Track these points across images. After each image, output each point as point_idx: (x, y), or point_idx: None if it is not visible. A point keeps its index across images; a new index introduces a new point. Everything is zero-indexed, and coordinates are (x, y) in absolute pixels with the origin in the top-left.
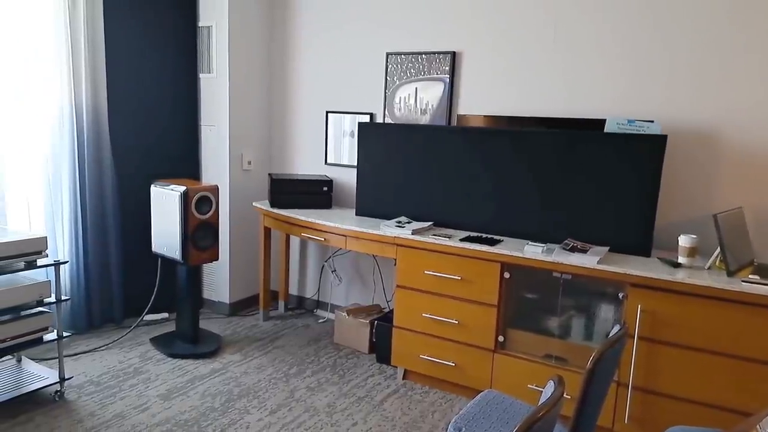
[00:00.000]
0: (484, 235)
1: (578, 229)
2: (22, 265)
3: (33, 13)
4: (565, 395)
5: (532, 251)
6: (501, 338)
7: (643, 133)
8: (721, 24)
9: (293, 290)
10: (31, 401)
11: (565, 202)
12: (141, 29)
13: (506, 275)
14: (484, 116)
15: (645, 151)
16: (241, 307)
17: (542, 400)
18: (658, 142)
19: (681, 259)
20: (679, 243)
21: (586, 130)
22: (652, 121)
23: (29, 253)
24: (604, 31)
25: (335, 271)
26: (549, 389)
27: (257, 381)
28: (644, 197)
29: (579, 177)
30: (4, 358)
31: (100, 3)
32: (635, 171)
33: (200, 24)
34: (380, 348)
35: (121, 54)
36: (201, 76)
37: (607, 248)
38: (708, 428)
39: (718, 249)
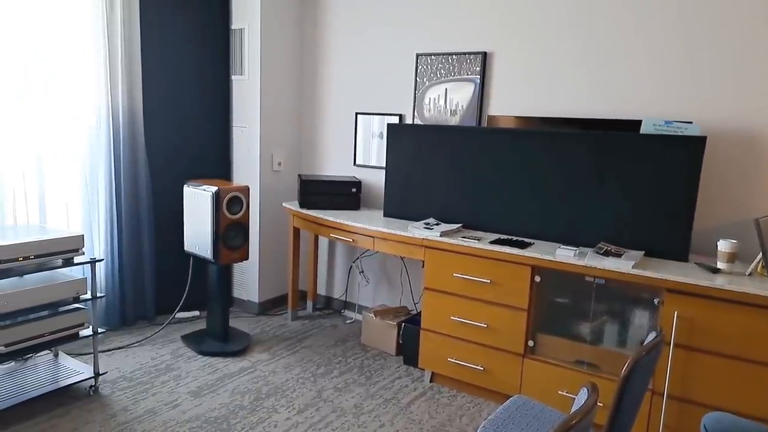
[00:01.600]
0: (515, 238)
1: (612, 232)
2: (60, 262)
3: (71, 19)
4: (598, 403)
5: (564, 255)
6: (531, 343)
7: (681, 134)
8: (764, 21)
9: (321, 290)
10: (67, 395)
11: (599, 204)
12: (175, 32)
13: (537, 279)
14: (515, 117)
15: (683, 154)
16: (270, 306)
17: (575, 407)
18: (697, 144)
19: (720, 265)
20: (719, 248)
21: (621, 131)
22: (691, 122)
23: (67, 250)
24: (640, 27)
25: (363, 272)
26: (582, 396)
27: (285, 380)
28: (682, 200)
29: (613, 179)
30: (42, 353)
31: (136, 8)
32: (672, 174)
33: (233, 26)
34: (407, 350)
35: (155, 57)
36: (233, 78)
37: (642, 252)
38: (747, 419)
39: (760, 254)
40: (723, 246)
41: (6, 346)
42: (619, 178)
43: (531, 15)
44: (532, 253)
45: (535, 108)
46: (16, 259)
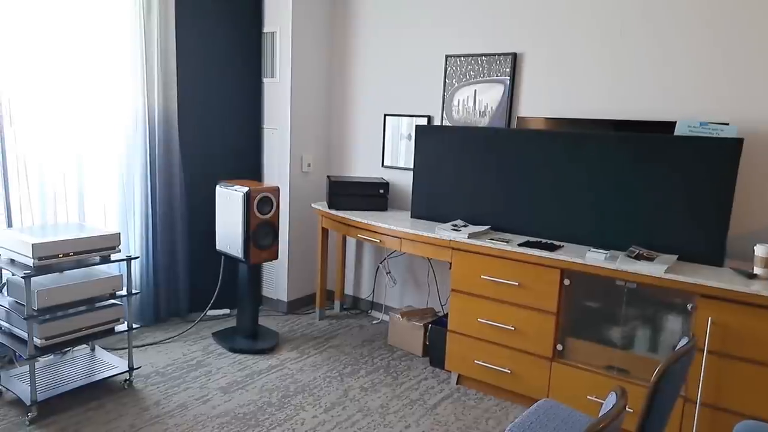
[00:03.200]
0: (543, 241)
1: (644, 236)
2: (97, 259)
3: (111, 25)
4: (627, 408)
5: (594, 258)
6: (560, 347)
7: (717, 136)
8: None
9: (348, 290)
10: (103, 388)
11: (631, 207)
12: (209, 36)
13: (566, 282)
14: (546, 118)
15: (719, 156)
16: (298, 305)
17: (603, 411)
18: (734, 146)
19: (757, 270)
20: (756, 253)
21: (654, 132)
22: (727, 124)
23: (104, 248)
24: (674, 26)
25: (390, 272)
26: (611, 401)
27: (313, 378)
28: (717, 204)
29: (646, 182)
30: (79, 347)
31: (172, 13)
32: (708, 176)
33: (265, 30)
34: (434, 351)
35: (190, 60)
36: (265, 80)
37: (675, 257)
38: None
39: None
40: (760, 251)
41: (46, 339)
42: (652, 180)
43: (562, 15)
44: (561, 256)
45: (566, 109)
46: (57, 256)
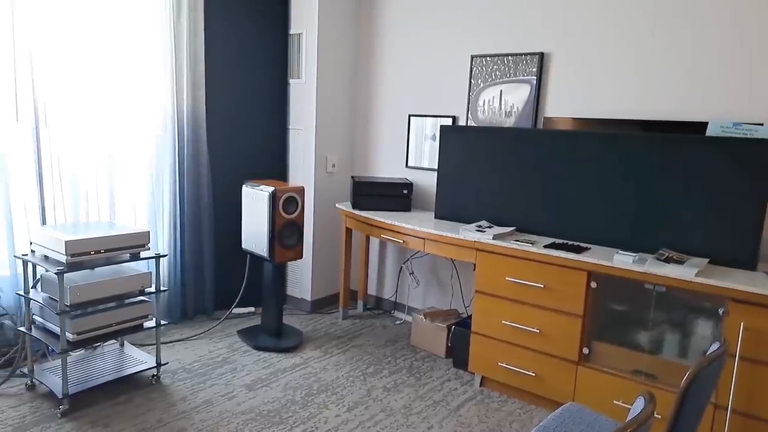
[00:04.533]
0: (570, 242)
1: (674, 238)
2: (127, 256)
3: (141, 29)
4: (655, 414)
5: (622, 260)
6: (586, 350)
7: (750, 137)
8: None
9: (372, 290)
10: (131, 383)
11: (660, 209)
12: (237, 39)
13: (593, 285)
14: (573, 119)
15: (752, 157)
16: (322, 304)
17: (630, 416)
18: None
19: None
20: None
21: (684, 133)
22: (762, 124)
23: (134, 246)
24: (706, 24)
25: (413, 273)
26: (638, 405)
27: (336, 378)
28: (750, 206)
29: (676, 183)
30: (109, 342)
31: (201, 16)
32: (741, 178)
33: (291, 32)
34: (457, 353)
35: (218, 63)
36: (291, 81)
37: (706, 260)
38: None
39: None
40: None
41: (78, 334)
42: (682, 182)
43: (590, 14)
44: (588, 258)
45: (593, 109)
46: (89, 253)
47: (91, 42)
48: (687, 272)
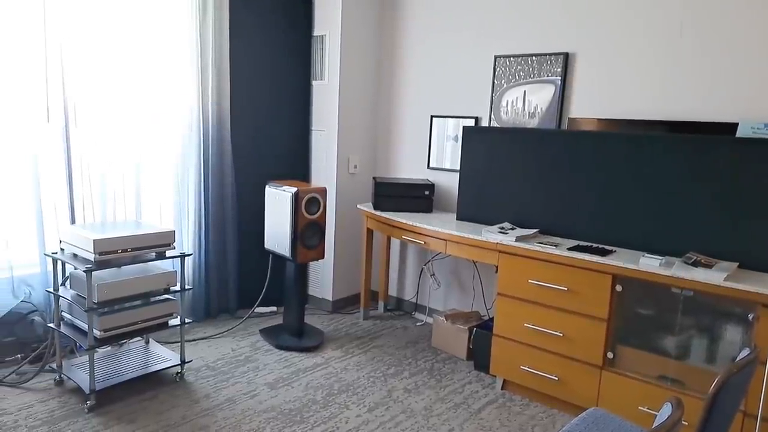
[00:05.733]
0: (594, 245)
1: (702, 242)
2: (153, 255)
3: (168, 31)
4: (682, 421)
5: (649, 264)
6: (610, 355)
7: None
8: None
9: (392, 292)
10: (156, 380)
11: (688, 212)
12: (261, 40)
13: (618, 288)
14: (598, 119)
15: None
16: (343, 304)
17: (657, 422)
18: None
19: None
20: None
21: (713, 134)
22: None
23: (160, 245)
24: (736, 23)
25: (434, 275)
26: (665, 411)
27: (357, 378)
28: None
29: (705, 185)
30: (134, 340)
31: (226, 18)
32: None
33: (315, 33)
34: (479, 355)
35: (242, 65)
36: (314, 82)
37: (735, 264)
38: None
39: None
40: None
41: (105, 331)
42: (710, 184)
43: (615, 14)
44: (613, 261)
45: (620, 110)
46: (116, 251)
47: (118, 43)
48: (716, 276)
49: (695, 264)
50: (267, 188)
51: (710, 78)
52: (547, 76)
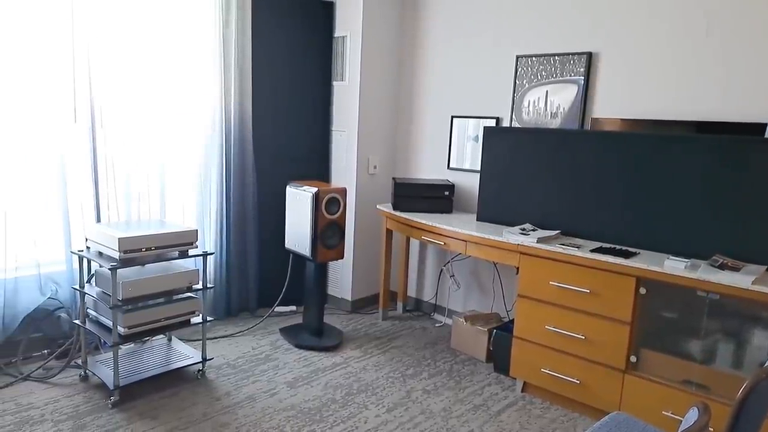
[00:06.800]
0: (618, 247)
1: (729, 244)
2: (176, 254)
3: (191, 33)
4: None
5: (674, 266)
6: (633, 358)
7: None
8: None
9: (411, 292)
10: (178, 376)
11: (715, 214)
12: (283, 42)
13: (642, 291)
14: (622, 119)
15: None
16: (362, 305)
17: (683, 427)
18: None
19: None
20: None
21: (741, 135)
22: None
23: (183, 243)
24: (764, 21)
25: (453, 276)
26: (692, 416)
27: (375, 378)
28: None
29: (732, 187)
30: (157, 337)
31: (249, 20)
32: None
33: (336, 34)
34: (498, 357)
35: (264, 66)
36: (334, 83)
37: (764, 267)
38: None
39: None
40: None
41: (129, 328)
42: (738, 185)
43: (640, 13)
44: (637, 264)
45: (644, 109)
46: (140, 250)
47: (143, 45)
48: (743, 280)
49: (722, 267)
50: (287, 188)
51: (737, 77)
52: (570, 75)
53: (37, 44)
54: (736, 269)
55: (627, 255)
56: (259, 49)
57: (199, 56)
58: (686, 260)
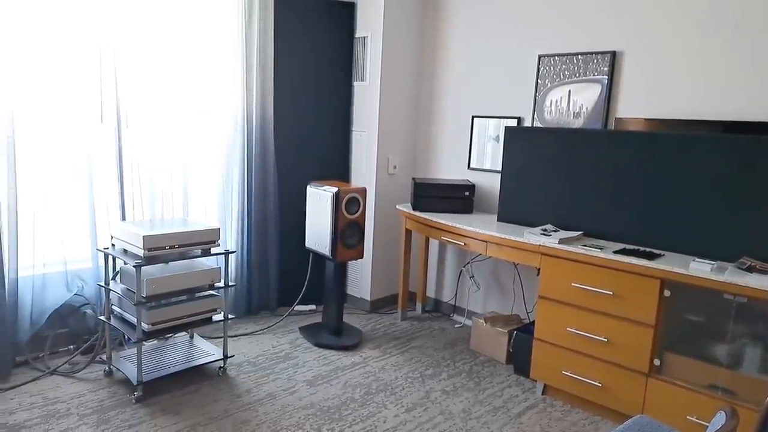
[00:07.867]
0: (641, 248)
1: (757, 247)
2: (199, 252)
3: (214, 34)
4: None
5: (700, 269)
6: (657, 362)
7: None
8: None
9: (431, 293)
10: (199, 373)
11: (742, 215)
12: (304, 43)
13: (666, 293)
14: (646, 119)
15: None
16: (381, 305)
17: (710, 431)
18: None
19: None
20: None
21: None
22: None
23: (205, 242)
24: None
25: (473, 276)
26: (718, 421)
27: (394, 378)
28: None
29: (760, 188)
30: (179, 334)
31: (271, 21)
32: None
33: (357, 35)
34: (518, 359)
35: (286, 67)
36: (355, 84)
37: None
38: None
39: None
40: None
41: (152, 324)
42: (766, 186)
43: (665, 11)
44: (661, 266)
45: (669, 109)
46: (164, 248)
47: (168, 47)
48: None
49: (749, 269)
50: (308, 188)
51: (764, 76)
52: (593, 75)
53: (64, 47)
54: (764, 272)
55: (651, 257)
56: (281, 50)
57: (222, 57)
58: (712, 262)
